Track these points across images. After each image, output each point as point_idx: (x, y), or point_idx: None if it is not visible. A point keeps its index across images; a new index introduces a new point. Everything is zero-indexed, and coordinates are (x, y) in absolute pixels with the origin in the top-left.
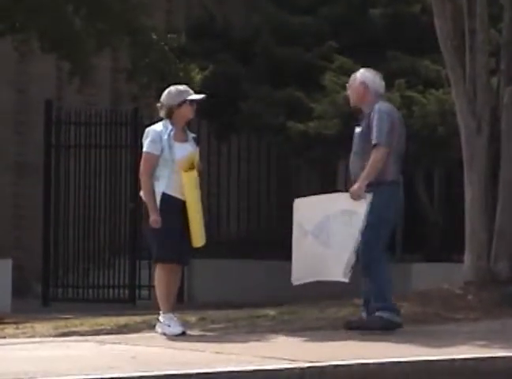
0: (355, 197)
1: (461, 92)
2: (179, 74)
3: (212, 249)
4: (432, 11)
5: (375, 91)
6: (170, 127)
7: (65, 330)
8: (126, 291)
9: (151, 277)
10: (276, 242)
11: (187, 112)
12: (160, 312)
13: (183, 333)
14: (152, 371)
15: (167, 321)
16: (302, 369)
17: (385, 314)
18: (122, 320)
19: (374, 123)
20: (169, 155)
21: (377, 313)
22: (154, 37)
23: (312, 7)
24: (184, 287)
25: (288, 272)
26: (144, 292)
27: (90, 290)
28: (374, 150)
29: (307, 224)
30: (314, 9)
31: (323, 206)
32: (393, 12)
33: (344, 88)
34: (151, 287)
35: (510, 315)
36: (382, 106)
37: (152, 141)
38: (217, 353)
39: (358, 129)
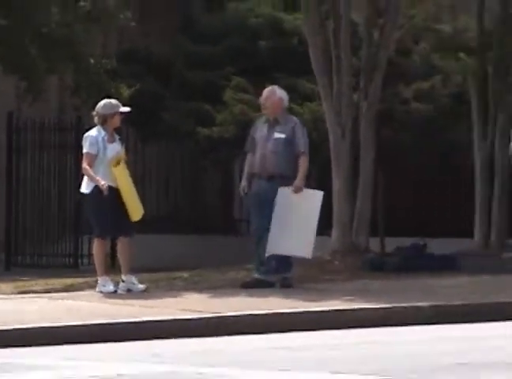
0: (299, 190)
1: (330, 106)
2: (112, 91)
3: (138, 226)
4: (307, 42)
5: (285, 105)
6: (103, 132)
7: (24, 289)
8: (71, 259)
9: (90, 248)
10: (188, 221)
11: (117, 121)
12: (98, 275)
13: (115, 291)
14: (93, 320)
15: (102, 282)
16: (208, 318)
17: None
18: (69, 281)
19: (301, 134)
20: (103, 154)
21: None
22: (92, 62)
23: (214, 39)
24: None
25: (193, 243)
26: (85, 260)
27: (43, 258)
28: (303, 157)
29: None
30: (216, 41)
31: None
32: (277, 43)
33: (241, 101)
34: (90, 255)
35: (369, 277)
36: (298, 120)
37: (91, 144)
38: (143, 307)
39: (279, 135)
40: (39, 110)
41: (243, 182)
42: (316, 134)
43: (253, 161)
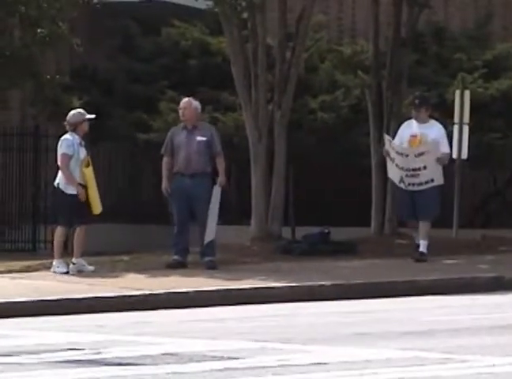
0: (223, 184)
1: (249, 114)
2: (64, 103)
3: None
4: (230, 60)
5: (199, 113)
6: (76, 137)
7: None
8: (30, 244)
9: (46, 235)
10: (128, 213)
11: (86, 127)
12: (55, 258)
13: (67, 272)
14: (48, 296)
15: (57, 264)
16: (144, 295)
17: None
18: (27, 263)
19: (217, 138)
20: (77, 155)
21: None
22: (48, 77)
23: (151, 58)
24: (68, 242)
25: (132, 231)
26: (42, 245)
27: (6, 244)
28: (221, 156)
29: None
30: (152, 59)
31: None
32: (204, 61)
33: (173, 111)
34: (46, 241)
35: (281, 260)
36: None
37: (67, 146)
38: (90, 285)
39: (201, 138)
40: (3, 117)
41: (165, 183)
42: (238, 139)
43: (174, 162)
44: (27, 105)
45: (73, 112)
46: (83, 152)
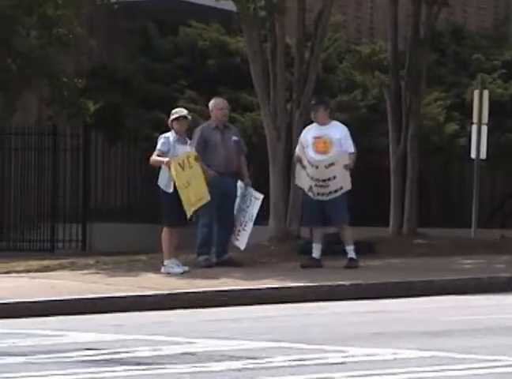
0: (250, 184)
1: (267, 113)
2: (81, 105)
3: (104, 216)
4: (248, 60)
5: None
6: (174, 135)
7: (8, 269)
8: (48, 244)
9: (65, 234)
10: (146, 212)
11: (176, 125)
12: (165, 259)
13: (183, 272)
14: (65, 296)
15: (170, 264)
16: (163, 295)
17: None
18: (45, 262)
19: (241, 139)
20: (173, 150)
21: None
22: (65, 80)
23: (169, 57)
24: (87, 241)
25: (151, 231)
26: (60, 244)
27: (24, 243)
28: (244, 156)
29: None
30: (170, 59)
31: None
32: (222, 61)
33: (192, 111)
34: (64, 241)
35: (299, 260)
36: None
37: (163, 143)
38: (108, 284)
39: (235, 138)
40: (21, 118)
41: (211, 171)
42: (256, 138)
43: (206, 160)
44: (44, 106)
45: (173, 111)
46: (182, 149)
